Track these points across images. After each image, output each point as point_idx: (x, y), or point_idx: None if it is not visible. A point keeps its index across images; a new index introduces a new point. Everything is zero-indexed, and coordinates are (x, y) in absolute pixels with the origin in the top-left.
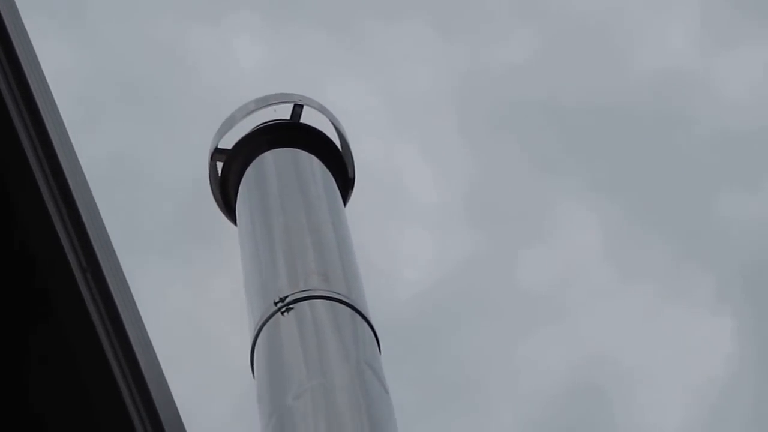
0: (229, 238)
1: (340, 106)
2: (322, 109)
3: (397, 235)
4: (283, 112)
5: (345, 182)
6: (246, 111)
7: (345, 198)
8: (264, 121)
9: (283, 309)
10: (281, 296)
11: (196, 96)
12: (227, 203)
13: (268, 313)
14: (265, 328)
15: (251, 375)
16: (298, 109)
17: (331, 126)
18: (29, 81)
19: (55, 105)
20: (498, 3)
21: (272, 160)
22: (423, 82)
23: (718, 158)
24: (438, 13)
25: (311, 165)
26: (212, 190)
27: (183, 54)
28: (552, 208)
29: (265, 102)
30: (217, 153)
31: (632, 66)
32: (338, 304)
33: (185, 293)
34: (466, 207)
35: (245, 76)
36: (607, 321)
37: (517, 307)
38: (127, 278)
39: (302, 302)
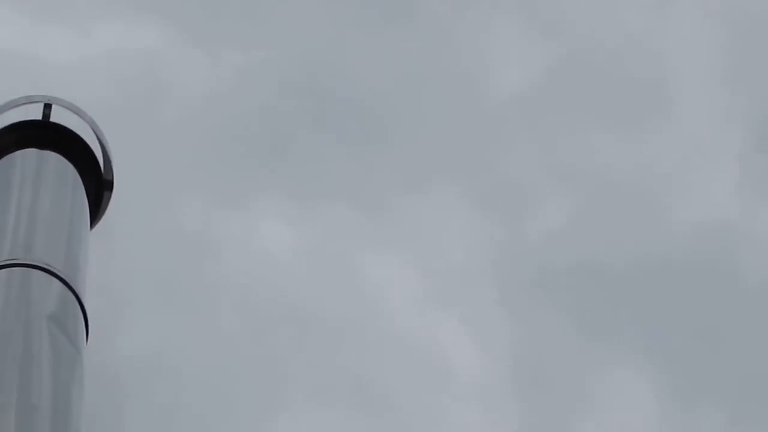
0: None
1: (376, 281)
2: (78, 111)
3: (444, 410)
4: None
5: (101, 183)
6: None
7: (101, 199)
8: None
9: None
10: None
11: (227, 284)
12: None
13: None
14: None
15: None
16: (47, 110)
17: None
18: None
19: None
20: (529, 168)
21: (17, 159)
22: (459, 252)
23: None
24: (468, 182)
25: (52, 163)
26: None
27: (211, 242)
28: (600, 374)
29: (14, 103)
30: None
31: (671, 220)
32: (41, 272)
33: None
34: (512, 377)
35: (276, 260)
36: None
37: None
38: None
39: (3, 270)
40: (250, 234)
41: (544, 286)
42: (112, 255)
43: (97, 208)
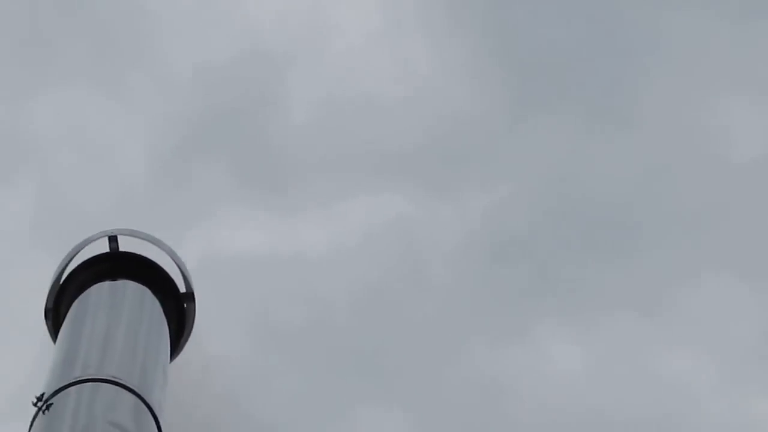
0: None
1: (673, 376)
2: (143, 236)
3: None
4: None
5: (179, 298)
6: (79, 248)
7: (183, 316)
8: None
9: (43, 407)
10: (39, 395)
11: (529, 414)
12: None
13: (32, 416)
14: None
15: None
16: (113, 243)
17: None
18: None
19: None
20: None
21: (91, 294)
22: (742, 328)
23: None
24: (733, 258)
25: (125, 291)
26: (47, 326)
27: (504, 378)
28: None
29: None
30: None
31: None
32: (111, 385)
33: None
34: None
35: (571, 378)
36: None
37: None
38: None
39: (74, 386)
40: (540, 360)
41: None
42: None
43: (182, 323)
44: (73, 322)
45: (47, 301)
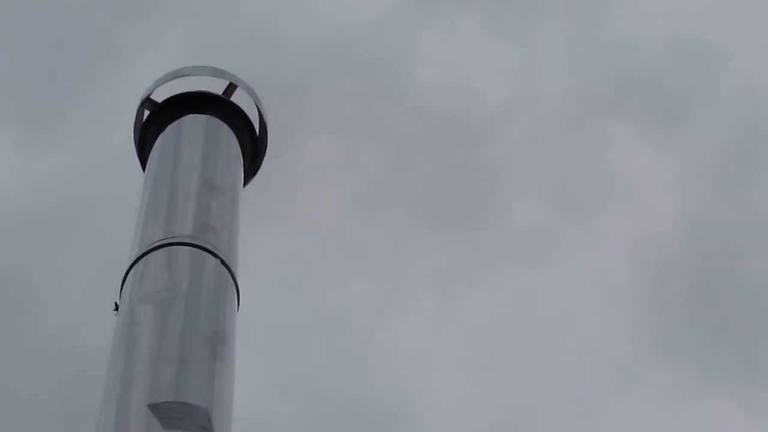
0: None
1: None
2: (252, 94)
3: None
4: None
5: (256, 159)
6: (186, 73)
7: (253, 170)
8: (201, 89)
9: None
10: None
11: None
12: (142, 147)
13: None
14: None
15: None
16: (231, 88)
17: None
18: None
19: None
20: None
21: (193, 124)
22: None
23: None
24: None
25: (225, 137)
26: (134, 133)
27: None
28: None
29: (203, 71)
30: (147, 101)
31: None
32: (206, 253)
33: None
34: None
35: None
36: None
37: None
38: None
39: (170, 247)
40: None
41: None
42: None
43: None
44: (172, 157)
45: (151, 89)
